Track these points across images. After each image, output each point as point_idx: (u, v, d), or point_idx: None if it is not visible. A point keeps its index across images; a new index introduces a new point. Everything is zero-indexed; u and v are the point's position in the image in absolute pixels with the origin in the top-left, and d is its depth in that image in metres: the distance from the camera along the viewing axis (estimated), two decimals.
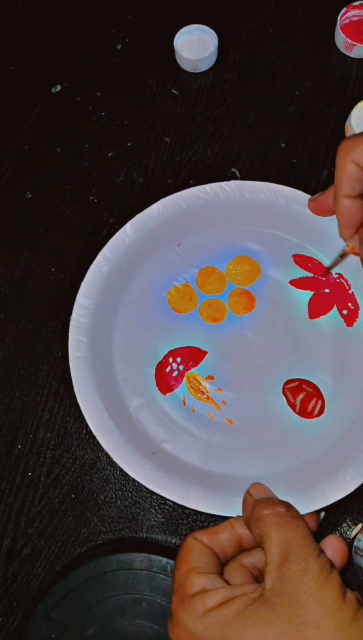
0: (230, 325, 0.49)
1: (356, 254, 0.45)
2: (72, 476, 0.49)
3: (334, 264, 0.48)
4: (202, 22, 0.59)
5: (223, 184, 0.50)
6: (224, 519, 0.39)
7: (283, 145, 0.57)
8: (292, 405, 0.47)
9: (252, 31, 0.61)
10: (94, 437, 0.49)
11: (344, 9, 0.58)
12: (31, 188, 0.57)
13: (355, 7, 0.58)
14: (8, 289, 0.54)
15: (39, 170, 0.57)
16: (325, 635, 0.30)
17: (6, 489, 0.49)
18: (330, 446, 0.45)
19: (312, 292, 0.49)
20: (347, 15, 0.58)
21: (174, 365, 0.48)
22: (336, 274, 0.49)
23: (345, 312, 0.48)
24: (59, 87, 0.60)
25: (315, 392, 0.47)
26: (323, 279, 0.49)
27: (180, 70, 0.60)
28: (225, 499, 0.42)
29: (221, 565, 0.36)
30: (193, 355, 0.48)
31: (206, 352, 0.48)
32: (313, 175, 0.56)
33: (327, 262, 0.49)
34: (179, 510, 0.48)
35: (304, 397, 0.47)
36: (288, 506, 0.35)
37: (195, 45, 0.59)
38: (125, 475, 0.48)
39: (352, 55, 0.59)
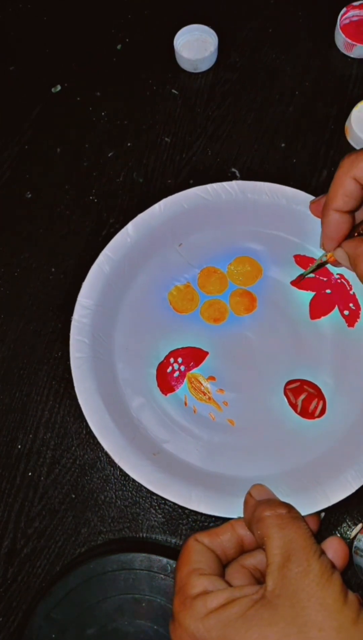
0: (231, 325, 0.49)
1: (334, 263, 0.45)
2: (72, 476, 0.49)
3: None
4: (202, 22, 0.59)
5: (225, 184, 0.50)
6: (225, 520, 0.39)
7: (283, 145, 0.57)
8: (293, 406, 0.47)
9: (252, 31, 0.61)
10: (94, 437, 0.49)
11: (344, 9, 0.58)
12: (31, 188, 0.57)
13: (355, 7, 0.58)
14: (8, 289, 0.54)
15: (39, 170, 0.57)
16: (326, 637, 0.30)
17: (6, 489, 0.49)
18: (331, 447, 0.45)
19: (313, 293, 0.49)
20: (347, 15, 0.58)
21: (176, 366, 0.48)
22: (337, 274, 0.49)
23: (346, 312, 0.48)
24: (59, 87, 0.60)
25: (316, 393, 0.47)
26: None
27: (180, 70, 0.60)
28: (226, 500, 0.42)
29: (222, 566, 0.36)
30: (194, 356, 0.48)
31: (207, 353, 0.48)
32: (313, 175, 0.56)
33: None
34: (179, 510, 0.48)
35: (305, 397, 0.47)
36: (289, 507, 0.35)
37: (195, 45, 0.59)
38: (125, 475, 0.48)
39: (352, 55, 0.59)
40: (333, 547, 0.35)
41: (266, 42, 0.61)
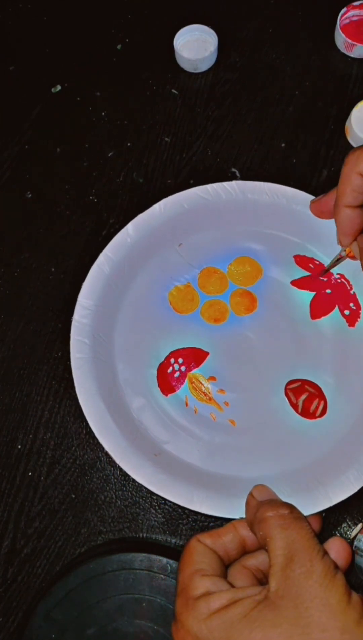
0: (232, 325, 0.49)
1: (353, 257, 0.46)
2: (72, 476, 0.49)
3: (331, 266, 0.48)
4: (202, 22, 0.59)
5: (225, 184, 0.50)
6: (226, 520, 0.39)
7: (283, 145, 0.57)
8: (294, 406, 0.46)
9: (252, 31, 0.61)
10: (94, 437, 0.49)
11: (344, 9, 0.58)
12: (31, 188, 0.57)
13: (355, 7, 0.58)
14: (8, 289, 0.54)
15: (39, 170, 0.57)
16: (330, 638, 0.30)
17: (6, 489, 0.49)
18: (333, 447, 0.45)
19: (314, 293, 0.49)
20: (347, 15, 0.58)
21: (176, 366, 0.48)
22: (337, 274, 0.49)
23: (346, 312, 0.48)
24: (59, 87, 0.60)
25: (317, 393, 0.47)
26: (324, 279, 0.49)
27: (180, 70, 0.60)
28: (228, 501, 0.42)
29: (224, 567, 0.36)
30: (194, 356, 0.48)
31: (207, 353, 0.48)
32: (313, 175, 0.56)
33: (328, 263, 0.49)
34: (179, 510, 0.48)
35: (306, 397, 0.46)
36: (291, 508, 0.35)
37: (195, 45, 0.59)
38: (125, 475, 0.48)
39: (352, 55, 0.59)
40: (336, 548, 0.35)
41: (266, 42, 0.61)
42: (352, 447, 0.44)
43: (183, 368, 0.48)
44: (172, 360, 0.48)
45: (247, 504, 0.38)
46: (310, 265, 0.49)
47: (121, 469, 0.49)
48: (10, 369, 0.52)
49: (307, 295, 0.49)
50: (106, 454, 0.49)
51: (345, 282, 0.48)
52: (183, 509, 0.47)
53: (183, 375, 0.48)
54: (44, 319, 0.53)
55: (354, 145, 0.56)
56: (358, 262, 0.46)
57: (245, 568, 0.36)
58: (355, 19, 0.59)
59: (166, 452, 0.45)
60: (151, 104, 0.59)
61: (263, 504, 0.36)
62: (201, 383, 0.47)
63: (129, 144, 0.58)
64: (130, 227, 0.49)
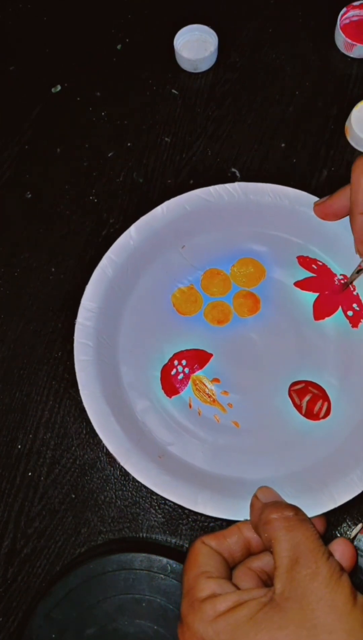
0: (235, 327, 0.49)
1: None
2: (72, 476, 0.49)
3: (352, 279, 0.47)
4: (202, 22, 0.59)
5: (227, 185, 0.49)
6: (230, 522, 0.39)
7: (283, 145, 0.57)
8: (298, 407, 0.46)
9: (252, 31, 0.61)
10: (94, 438, 0.49)
11: (344, 9, 0.58)
12: (31, 188, 0.57)
13: (355, 7, 0.58)
14: (8, 289, 0.54)
15: (39, 170, 0.57)
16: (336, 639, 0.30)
17: (6, 489, 0.49)
18: (337, 448, 0.45)
19: (317, 294, 0.49)
20: (347, 15, 0.58)
21: (180, 368, 0.48)
22: (340, 275, 0.49)
23: (350, 313, 0.48)
24: (59, 87, 0.60)
25: (321, 394, 0.46)
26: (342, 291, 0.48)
27: (180, 70, 0.60)
28: (232, 503, 0.42)
29: (229, 569, 0.36)
30: (198, 358, 0.48)
31: (211, 355, 0.48)
32: (313, 175, 0.56)
33: (331, 264, 0.49)
34: (179, 510, 0.48)
35: (310, 398, 0.46)
36: (296, 510, 0.35)
37: (195, 45, 0.59)
38: (125, 475, 0.48)
39: (352, 55, 0.59)
40: (340, 549, 0.35)
41: (266, 42, 0.61)
42: (356, 448, 0.44)
43: (186, 370, 0.48)
44: (176, 362, 0.48)
45: (252, 506, 0.38)
46: (313, 266, 0.49)
47: (121, 469, 0.49)
48: (10, 369, 0.52)
49: (310, 297, 0.49)
50: (107, 453, 0.49)
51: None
52: (183, 509, 0.47)
53: (186, 377, 0.48)
54: (44, 319, 0.53)
55: (354, 145, 0.56)
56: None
57: (250, 570, 0.36)
58: (355, 19, 0.59)
59: (170, 453, 0.45)
60: (151, 104, 0.59)
61: (268, 506, 0.35)
62: (204, 385, 0.47)
63: (129, 144, 0.58)
64: (133, 229, 0.49)
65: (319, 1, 0.61)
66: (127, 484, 0.48)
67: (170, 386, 0.47)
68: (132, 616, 0.43)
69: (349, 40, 0.58)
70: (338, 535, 0.47)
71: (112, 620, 0.43)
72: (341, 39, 0.58)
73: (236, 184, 0.49)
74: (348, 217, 0.44)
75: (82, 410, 0.49)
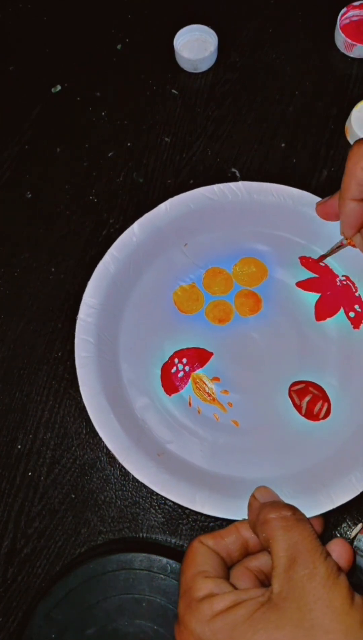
0: (236, 326, 0.49)
1: (353, 246, 0.46)
2: (72, 476, 0.49)
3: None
4: (202, 22, 0.59)
5: (231, 184, 0.49)
6: (229, 522, 0.39)
7: (283, 145, 0.57)
8: (298, 408, 0.46)
9: (252, 31, 0.61)
10: (94, 437, 0.49)
11: (344, 9, 0.58)
12: (31, 188, 0.57)
13: (355, 7, 0.58)
14: (8, 289, 0.54)
15: (39, 170, 0.57)
16: None
17: (6, 489, 0.49)
18: (336, 449, 0.45)
19: (319, 294, 0.49)
20: (347, 15, 0.58)
21: (180, 366, 0.48)
22: (343, 276, 0.49)
23: (351, 314, 0.48)
24: (59, 87, 0.60)
25: (321, 395, 0.46)
26: (322, 263, 0.49)
27: (180, 70, 0.60)
28: (230, 502, 0.42)
29: (227, 568, 0.36)
30: (198, 356, 0.48)
31: (212, 353, 0.48)
32: (313, 175, 0.56)
33: (334, 264, 0.49)
34: (179, 510, 0.48)
35: (310, 399, 0.46)
36: (294, 510, 0.35)
37: (195, 45, 0.59)
38: (125, 475, 0.48)
39: (352, 55, 0.59)
40: (338, 549, 0.35)
41: (266, 42, 0.61)
42: (355, 449, 0.44)
43: (187, 368, 0.48)
44: (176, 360, 0.48)
45: (249, 505, 0.38)
46: (321, 264, 0.49)
47: (121, 469, 0.49)
48: (10, 369, 0.52)
49: (312, 297, 0.49)
50: (107, 453, 0.49)
51: (351, 284, 0.48)
52: (183, 509, 0.47)
53: (186, 376, 0.48)
54: (44, 319, 0.53)
55: None
56: None
57: (248, 569, 0.36)
58: (355, 19, 0.59)
59: (169, 452, 0.45)
60: (151, 104, 0.59)
61: (266, 506, 0.36)
62: (205, 383, 0.47)
63: (129, 144, 0.58)
64: (136, 226, 0.49)
65: (319, 1, 0.61)
66: (127, 484, 0.48)
67: (170, 384, 0.47)
68: (132, 616, 0.43)
69: (349, 40, 0.58)
70: (338, 535, 0.47)
71: (112, 620, 0.43)
72: (341, 39, 0.58)
73: (240, 183, 0.49)
74: None
75: (82, 410, 0.49)
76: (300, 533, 0.33)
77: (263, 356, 0.48)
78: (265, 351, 0.48)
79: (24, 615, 0.46)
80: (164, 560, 0.44)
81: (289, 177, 0.55)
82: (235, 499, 0.42)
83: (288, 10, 0.62)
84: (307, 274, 0.49)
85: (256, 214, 0.50)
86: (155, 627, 0.43)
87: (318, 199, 0.48)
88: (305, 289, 0.49)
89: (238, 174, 0.56)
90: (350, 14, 0.59)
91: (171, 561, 0.44)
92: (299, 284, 0.49)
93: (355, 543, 0.45)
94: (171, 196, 0.49)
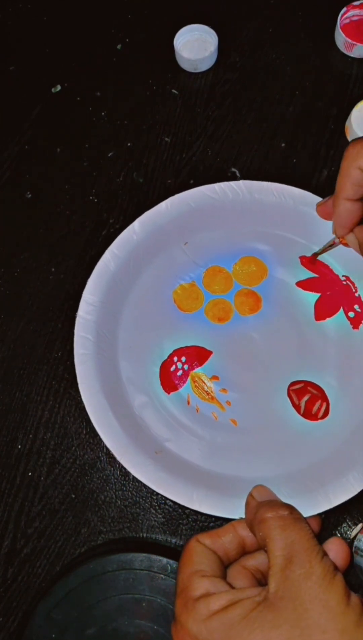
0: (236, 325, 0.49)
1: (346, 244, 0.46)
2: (72, 476, 0.49)
3: (323, 251, 0.48)
4: (202, 22, 0.59)
5: (232, 183, 0.49)
6: (226, 520, 0.39)
7: (283, 145, 0.57)
8: (297, 407, 0.46)
9: (252, 31, 0.61)
10: (94, 437, 0.49)
11: (344, 9, 0.58)
12: (31, 188, 0.57)
13: (355, 7, 0.58)
14: (8, 289, 0.54)
15: (39, 170, 0.57)
16: (330, 639, 0.30)
17: (6, 489, 0.49)
18: (334, 449, 0.45)
19: (319, 294, 0.49)
20: (347, 15, 0.58)
21: (179, 365, 0.48)
22: (343, 276, 0.49)
23: (351, 314, 0.48)
24: (59, 87, 0.60)
25: (320, 394, 0.46)
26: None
27: (180, 70, 0.60)
28: (228, 501, 0.42)
29: (224, 567, 0.36)
30: (198, 355, 0.48)
31: (211, 352, 0.48)
32: (313, 175, 0.56)
33: (334, 265, 0.49)
34: (180, 510, 0.48)
35: (309, 399, 0.46)
36: (291, 509, 0.35)
37: (195, 45, 0.59)
38: (125, 475, 0.48)
39: (352, 55, 0.59)
40: (335, 548, 0.35)
41: (266, 42, 0.61)
42: (353, 450, 0.44)
43: (185, 367, 0.48)
44: (175, 358, 0.48)
45: (247, 504, 0.38)
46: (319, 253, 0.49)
47: (121, 469, 0.49)
48: (10, 369, 0.52)
49: (312, 297, 0.49)
50: (107, 453, 0.49)
51: (351, 285, 0.48)
52: (183, 508, 0.47)
53: (185, 374, 0.48)
54: (44, 319, 0.53)
55: None
56: None
57: (244, 568, 0.36)
58: (355, 18, 0.59)
59: (167, 450, 0.45)
60: (151, 104, 0.59)
61: (263, 505, 0.35)
62: (203, 382, 0.47)
63: (129, 144, 0.58)
64: (136, 224, 0.49)
65: (319, 1, 0.61)
66: (127, 484, 0.48)
67: (169, 382, 0.47)
68: (132, 616, 0.43)
69: (349, 40, 0.58)
70: (339, 535, 0.47)
71: (112, 620, 0.43)
72: (341, 39, 0.58)
73: (241, 182, 0.49)
74: None
75: (82, 410, 0.49)
76: (297, 532, 0.33)
77: (262, 355, 0.48)
78: (264, 350, 0.48)
79: (24, 615, 0.46)
80: (165, 560, 0.44)
81: (289, 177, 0.55)
82: (233, 498, 0.42)
83: (288, 10, 0.62)
84: (307, 274, 0.49)
85: (256, 213, 0.50)
86: (155, 627, 0.43)
87: (319, 199, 0.48)
88: (304, 289, 0.49)
89: (238, 174, 0.56)
90: (350, 13, 0.59)
91: (171, 561, 0.44)
92: (299, 284, 0.49)
93: (355, 543, 0.45)
94: (171, 196, 0.49)
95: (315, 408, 0.46)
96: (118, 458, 0.43)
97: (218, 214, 0.50)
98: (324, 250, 0.48)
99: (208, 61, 0.59)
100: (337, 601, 0.31)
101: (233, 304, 0.49)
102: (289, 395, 0.47)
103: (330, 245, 0.47)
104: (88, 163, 0.57)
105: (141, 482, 0.43)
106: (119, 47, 0.61)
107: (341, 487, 0.42)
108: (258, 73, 0.60)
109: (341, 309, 0.48)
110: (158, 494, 0.43)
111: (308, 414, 0.46)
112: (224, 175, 0.56)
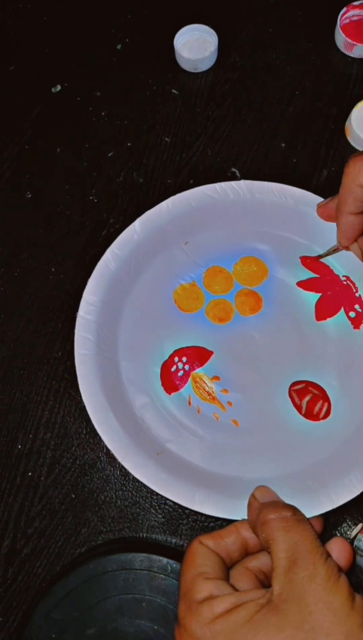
0: (236, 325, 0.49)
1: (348, 249, 0.47)
2: (72, 476, 0.49)
3: (326, 254, 0.48)
4: (202, 22, 0.59)
5: (233, 183, 0.49)
6: (228, 521, 0.39)
7: (283, 145, 0.57)
8: (298, 407, 0.46)
9: (252, 31, 0.61)
10: (94, 437, 0.49)
11: (344, 9, 0.58)
12: (31, 188, 0.57)
13: (355, 7, 0.58)
14: (8, 289, 0.54)
15: (39, 170, 0.57)
16: None
17: (6, 489, 0.49)
18: (336, 449, 0.44)
19: (319, 294, 0.49)
20: (347, 15, 0.58)
21: (180, 365, 0.48)
22: (344, 276, 0.49)
23: (352, 314, 0.48)
24: (59, 87, 0.60)
25: (321, 395, 0.46)
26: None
27: (180, 70, 0.60)
28: (230, 502, 0.42)
29: (227, 569, 0.36)
30: (198, 355, 0.48)
31: (212, 352, 0.48)
32: (313, 175, 0.56)
33: (334, 265, 0.49)
34: (180, 510, 0.48)
35: (310, 399, 0.46)
36: (294, 510, 0.35)
37: (195, 45, 0.59)
38: (125, 475, 0.48)
39: (352, 55, 0.59)
40: (337, 549, 0.35)
41: (266, 42, 0.61)
42: (355, 450, 0.44)
43: (186, 367, 0.48)
44: (176, 359, 0.48)
45: (249, 505, 0.38)
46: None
47: (121, 469, 0.49)
48: (10, 369, 0.52)
49: (313, 297, 0.49)
50: (107, 453, 0.49)
51: (351, 285, 0.48)
52: (183, 508, 0.47)
53: (186, 374, 0.48)
54: (44, 319, 0.53)
55: (354, 145, 0.56)
56: None
57: (248, 570, 0.36)
58: (355, 18, 0.59)
59: (169, 451, 0.45)
60: (151, 104, 0.59)
61: (266, 506, 0.35)
62: (204, 382, 0.47)
63: (129, 144, 0.58)
64: (137, 224, 0.49)
65: (319, 1, 0.61)
66: (128, 484, 0.48)
67: (170, 383, 0.47)
68: (132, 616, 0.43)
69: (349, 40, 0.58)
70: (338, 535, 0.47)
71: (112, 620, 0.43)
72: (341, 39, 0.58)
73: (242, 182, 0.49)
74: None
75: (82, 410, 0.49)
76: (300, 534, 0.33)
77: (263, 355, 0.48)
78: (265, 350, 0.48)
79: (24, 615, 0.46)
80: (165, 560, 0.44)
81: (289, 177, 0.55)
82: (234, 499, 0.42)
83: (288, 10, 0.62)
84: (308, 274, 0.49)
85: (257, 213, 0.50)
86: (155, 627, 0.43)
87: (320, 199, 0.48)
88: (305, 289, 0.49)
89: (238, 174, 0.56)
90: (350, 13, 0.59)
91: (171, 561, 0.44)
92: (300, 284, 0.49)
93: (355, 543, 0.45)
94: (171, 196, 0.49)
95: (316, 408, 0.46)
96: (120, 459, 0.43)
97: (219, 213, 0.50)
98: (328, 253, 0.48)
99: (208, 61, 0.59)
100: (341, 603, 0.31)
101: (234, 304, 0.49)
102: (290, 396, 0.47)
103: (334, 250, 0.48)
104: (88, 163, 0.57)
105: (141, 482, 0.43)
106: (119, 47, 0.61)
107: (343, 488, 0.42)
108: (258, 73, 0.60)
109: (342, 309, 0.48)
110: (158, 493, 0.43)
111: (309, 414, 0.46)
112: (224, 175, 0.56)
